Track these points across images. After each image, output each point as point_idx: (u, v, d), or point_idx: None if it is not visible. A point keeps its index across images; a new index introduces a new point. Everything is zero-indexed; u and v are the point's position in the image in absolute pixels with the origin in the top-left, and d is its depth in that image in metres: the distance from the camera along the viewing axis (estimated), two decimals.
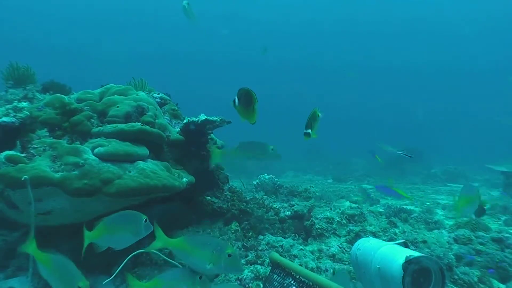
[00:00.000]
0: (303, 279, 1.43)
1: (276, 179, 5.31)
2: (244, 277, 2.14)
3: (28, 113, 2.31)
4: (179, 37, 33.20)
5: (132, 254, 2.00)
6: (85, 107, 2.53)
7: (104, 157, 2.09)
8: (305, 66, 36.19)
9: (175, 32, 32.71)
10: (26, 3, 28.68)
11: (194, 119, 2.77)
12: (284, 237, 2.87)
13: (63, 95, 2.57)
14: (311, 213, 3.43)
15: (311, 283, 1.38)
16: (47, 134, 2.28)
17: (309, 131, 1.81)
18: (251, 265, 2.33)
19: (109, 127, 2.37)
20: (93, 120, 2.48)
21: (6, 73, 2.88)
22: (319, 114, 1.86)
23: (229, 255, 1.28)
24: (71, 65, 29.74)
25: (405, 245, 1.38)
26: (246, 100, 1.58)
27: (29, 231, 1.61)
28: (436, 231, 3.35)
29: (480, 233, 2.88)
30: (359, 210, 3.49)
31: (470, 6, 28.97)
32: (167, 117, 3.06)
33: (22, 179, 1.79)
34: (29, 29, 29.75)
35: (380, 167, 11.84)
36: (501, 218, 4.44)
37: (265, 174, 5.30)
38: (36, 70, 2.97)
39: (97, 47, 30.98)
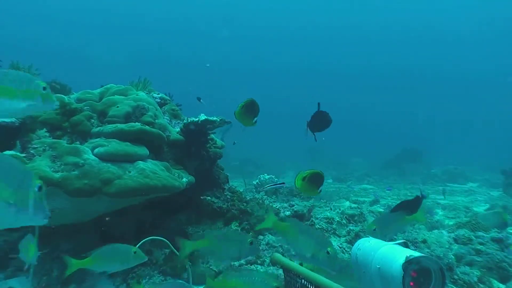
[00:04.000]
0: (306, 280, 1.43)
1: (276, 179, 5.31)
2: None
3: None
4: (180, 39, 33.22)
5: (146, 239, 1.99)
6: (85, 107, 2.53)
7: (104, 157, 2.08)
8: (306, 67, 36.18)
9: (175, 34, 32.73)
10: (28, 5, 28.72)
11: (194, 119, 2.77)
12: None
13: (63, 95, 2.56)
14: (311, 213, 3.43)
15: (312, 283, 1.38)
16: (47, 134, 2.27)
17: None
18: (251, 265, 2.33)
19: (109, 127, 2.37)
20: (93, 120, 2.47)
21: None
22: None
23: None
24: (72, 66, 29.74)
25: (405, 245, 1.38)
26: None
27: (34, 231, 1.62)
28: (436, 231, 3.35)
29: (480, 233, 2.88)
30: (359, 210, 3.49)
31: (469, 10, 29.00)
32: (167, 117, 3.06)
33: None
34: (30, 30, 29.75)
35: (380, 167, 11.85)
36: None
37: (265, 174, 5.30)
38: (38, 70, 2.97)
39: (98, 49, 30.98)
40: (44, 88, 1.15)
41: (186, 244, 1.42)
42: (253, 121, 1.93)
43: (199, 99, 3.08)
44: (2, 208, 0.78)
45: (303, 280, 1.46)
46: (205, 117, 2.77)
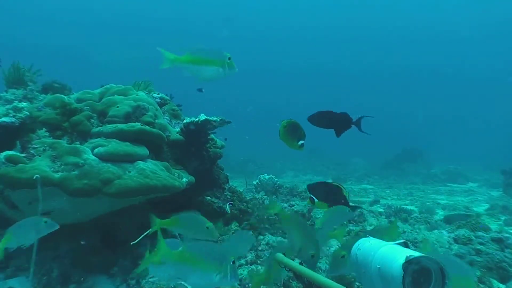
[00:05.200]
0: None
1: (276, 179, 5.31)
2: (243, 277, 2.14)
3: (28, 113, 2.31)
4: (180, 39, 33.13)
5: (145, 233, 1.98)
6: (85, 107, 2.53)
7: (104, 157, 2.09)
8: (306, 67, 36.16)
9: (175, 34, 32.69)
10: (28, 5, 28.72)
11: (194, 119, 2.77)
12: (284, 237, 2.86)
13: (63, 95, 2.56)
14: (311, 213, 3.43)
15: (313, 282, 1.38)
16: (47, 134, 2.27)
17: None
18: (250, 265, 2.33)
19: (109, 127, 2.37)
20: (93, 120, 2.47)
21: (7, 73, 2.88)
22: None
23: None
24: (72, 66, 29.70)
25: (405, 245, 1.38)
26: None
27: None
28: (436, 231, 3.35)
29: (480, 233, 2.88)
30: (359, 210, 3.48)
31: (469, 10, 29.00)
32: (167, 117, 3.06)
33: (34, 177, 1.80)
34: (30, 30, 29.73)
35: (380, 167, 11.85)
36: (501, 218, 4.44)
37: (265, 174, 5.31)
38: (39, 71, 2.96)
39: (99, 49, 30.94)
40: (229, 58, 1.40)
41: (155, 221, 1.59)
42: (299, 144, 1.84)
43: (200, 90, 3.07)
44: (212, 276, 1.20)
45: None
46: (205, 117, 2.77)
